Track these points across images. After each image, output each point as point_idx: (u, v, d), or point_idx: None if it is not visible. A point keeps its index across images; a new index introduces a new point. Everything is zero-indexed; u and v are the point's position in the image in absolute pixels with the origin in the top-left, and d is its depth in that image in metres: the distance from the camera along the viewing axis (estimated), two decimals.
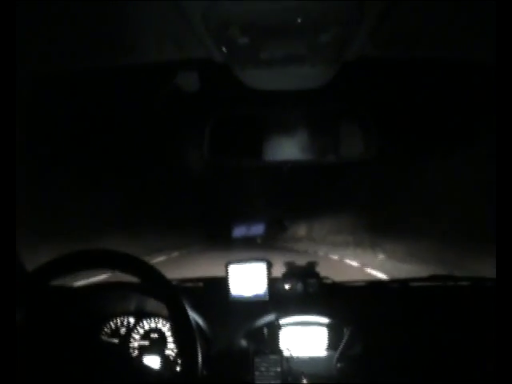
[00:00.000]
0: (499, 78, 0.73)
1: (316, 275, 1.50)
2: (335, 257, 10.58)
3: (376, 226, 11.38)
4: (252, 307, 1.42)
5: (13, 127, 0.78)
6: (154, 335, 1.35)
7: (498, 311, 0.71)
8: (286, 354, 1.34)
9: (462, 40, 1.01)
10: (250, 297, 1.43)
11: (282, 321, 1.38)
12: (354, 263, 9.18)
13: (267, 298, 1.43)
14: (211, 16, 0.81)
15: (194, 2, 0.78)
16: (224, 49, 0.95)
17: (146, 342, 1.34)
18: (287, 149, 1.25)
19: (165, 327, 1.35)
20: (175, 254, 11.92)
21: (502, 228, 0.73)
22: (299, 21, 0.85)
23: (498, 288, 0.72)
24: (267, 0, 0.80)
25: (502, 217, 0.73)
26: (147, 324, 1.36)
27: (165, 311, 1.25)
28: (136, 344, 1.35)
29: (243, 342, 1.35)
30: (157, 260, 9.75)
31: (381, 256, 9.88)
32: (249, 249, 11.01)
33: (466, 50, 1.07)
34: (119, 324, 1.37)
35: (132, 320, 1.37)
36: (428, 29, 0.96)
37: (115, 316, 1.37)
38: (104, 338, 1.35)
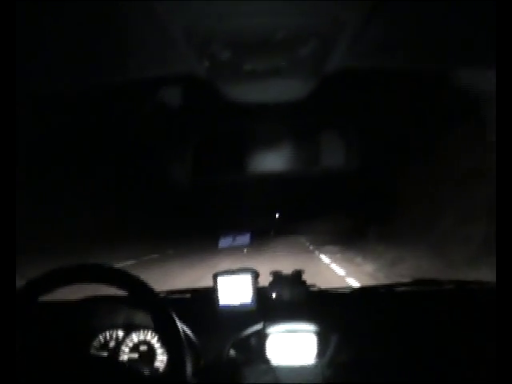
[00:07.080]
0: (499, 78, 0.75)
1: (302, 283, 1.53)
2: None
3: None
4: (240, 317, 1.44)
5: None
6: (143, 348, 1.35)
7: (498, 312, 0.71)
8: (274, 362, 1.35)
9: (441, 52, 1.04)
10: (237, 306, 1.45)
11: (270, 329, 1.40)
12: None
13: (255, 307, 1.45)
14: (192, 32, 0.84)
15: (175, 18, 0.79)
16: (205, 64, 0.97)
17: (136, 355, 1.34)
18: (271, 162, 1.27)
19: (154, 339, 1.35)
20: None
21: (501, 231, 0.73)
22: (278, 36, 0.88)
23: (499, 291, 0.73)
24: (246, 16, 0.82)
25: (502, 222, 0.73)
26: (136, 337, 1.36)
27: (153, 323, 1.25)
28: (125, 357, 1.35)
29: (232, 352, 1.36)
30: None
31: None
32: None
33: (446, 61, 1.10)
34: (108, 337, 1.37)
35: (121, 333, 1.37)
36: (408, 39, 0.99)
37: (104, 330, 1.37)
38: (93, 351, 1.35)
